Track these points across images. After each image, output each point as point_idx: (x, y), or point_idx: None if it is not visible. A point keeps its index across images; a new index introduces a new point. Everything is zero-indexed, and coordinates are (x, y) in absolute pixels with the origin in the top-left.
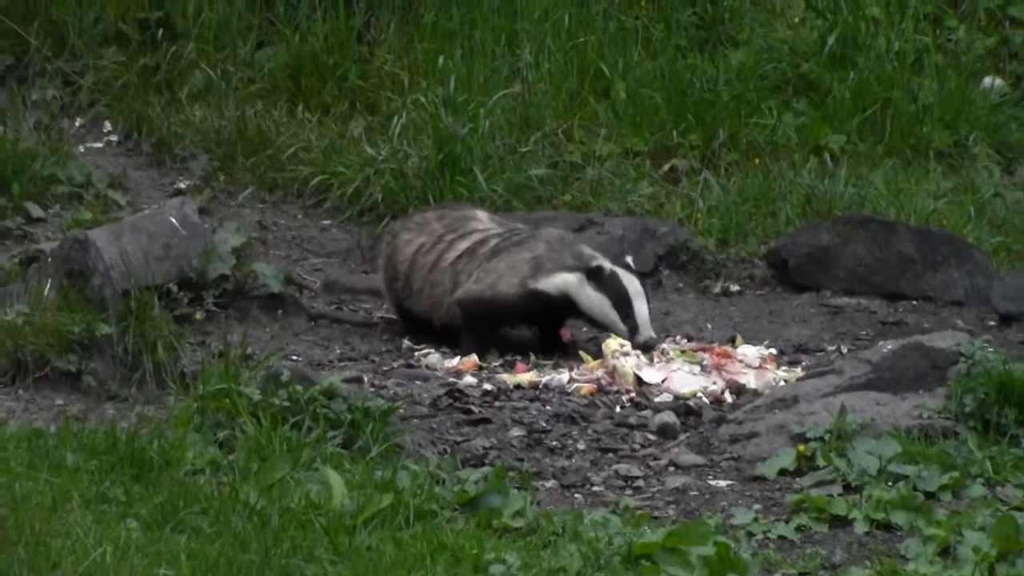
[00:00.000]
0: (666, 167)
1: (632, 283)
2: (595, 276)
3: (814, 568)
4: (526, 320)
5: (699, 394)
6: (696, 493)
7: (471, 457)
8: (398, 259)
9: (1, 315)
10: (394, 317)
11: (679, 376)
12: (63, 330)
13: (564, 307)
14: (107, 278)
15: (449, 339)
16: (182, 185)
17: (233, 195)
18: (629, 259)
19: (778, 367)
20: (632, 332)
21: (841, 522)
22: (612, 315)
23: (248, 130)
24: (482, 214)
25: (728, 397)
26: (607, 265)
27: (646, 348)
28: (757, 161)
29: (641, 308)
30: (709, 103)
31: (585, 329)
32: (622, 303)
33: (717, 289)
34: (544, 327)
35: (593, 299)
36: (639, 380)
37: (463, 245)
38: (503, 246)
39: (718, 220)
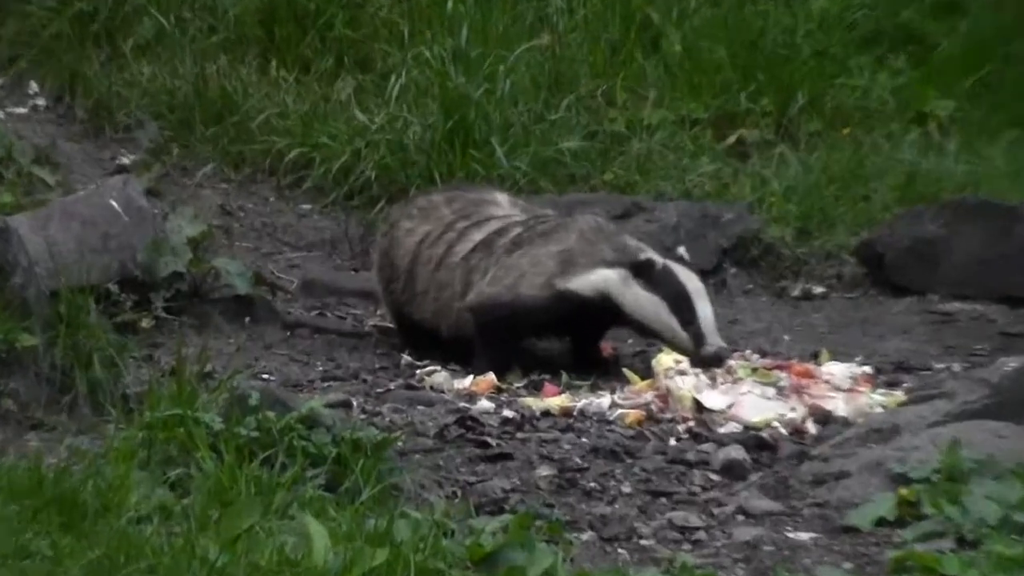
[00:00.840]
0: (731, 139)
1: (691, 280)
2: (644, 272)
3: None
4: (555, 329)
5: (774, 423)
6: (771, 548)
7: (487, 502)
8: (397, 253)
9: None
10: (391, 326)
11: (749, 401)
12: None
13: (603, 312)
14: (31, 276)
15: (460, 354)
16: (125, 160)
17: (190, 173)
18: (683, 251)
19: (873, 389)
20: (696, 342)
21: None
22: (669, 321)
23: (208, 91)
24: (502, 197)
25: (811, 427)
26: (658, 258)
27: (715, 362)
28: (845, 131)
29: (706, 311)
30: (785, 59)
31: (631, 341)
32: (681, 305)
33: (796, 291)
34: (578, 338)
35: (643, 301)
36: (699, 405)
37: (477, 236)
38: (526, 237)
39: (797, 205)
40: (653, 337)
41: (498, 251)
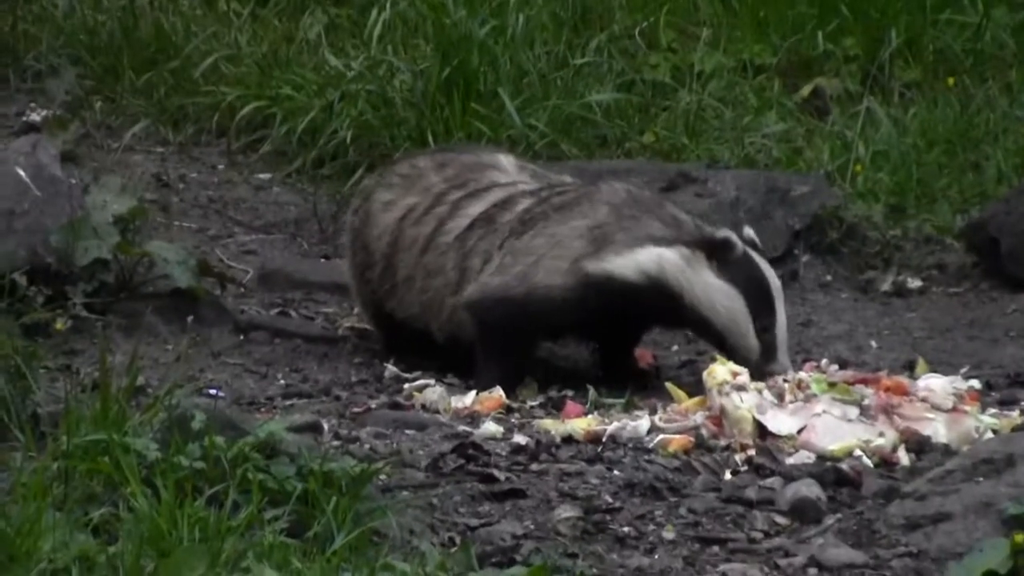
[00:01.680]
0: (806, 91)
1: (772, 273)
2: (722, 253)
3: None
4: (580, 331)
5: (857, 452)
6: None
7: (494, 551)
8: (372, 233)
9: None
10: (368, 326)
11: (825, 424)
12: None
13: (647, 307)
14: None
15: (458, 362)
16: (35, 117)
17: (116, 133)
18: (751, 232)
19: (983, 409)
20: (766, 356)
21: None
22: (744, 321)
23: (140, 30)
24: (506, 160)
25: (903, 457)
26: (738, 240)
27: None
28: (951, 82)
29: (783, 319)
30: None
31: (676, 347)
32: (761, 305)
33: (887, 286)
34: (609, 343)
35: (715, 291)
36: (762, 430)
37: (475, 209)
38: (539, 212)
39: (888, 175)
40: (710, 339)
41: (503, 228)
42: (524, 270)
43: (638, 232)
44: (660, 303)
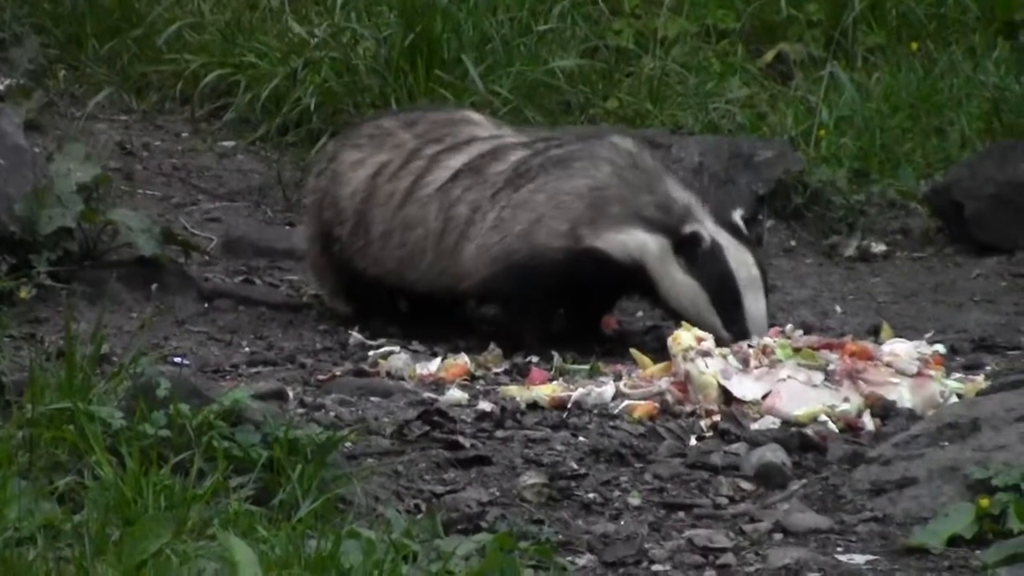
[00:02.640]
0: (770, 56)
1: (744, 263)
2: (686, 249)
3: None
4: (572, 296)
5: (822, 417)
6: (818, 574)
7: (460, 517)
8: (341, 192)
9: None
10: (320, 293)
11: (790, 389)
12: None
13: (630, 281)
14: None
15: (427, 326)
16: None
17: (80, 101)
18: (738, 216)
19: (947, 374)
20: (738, 341)
21: None
22: (708, 314)
23: None
24: (480, 117)
25: (868, 422)
26: (706, 234)
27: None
28: (914, 46)
29: (756, 307)
30: None
31: (640, 313)
32: (726, 298)
33: (851, 251)
34: (580, 308)
35: (680, 286)
36: (727, 395)
37: (458, 160)
38: (536, 164)
39: (852, 140)
40: (684, 321)
41: (493, 180)
42: (526, 229)
43: (632, 208)
44: (639, 283)
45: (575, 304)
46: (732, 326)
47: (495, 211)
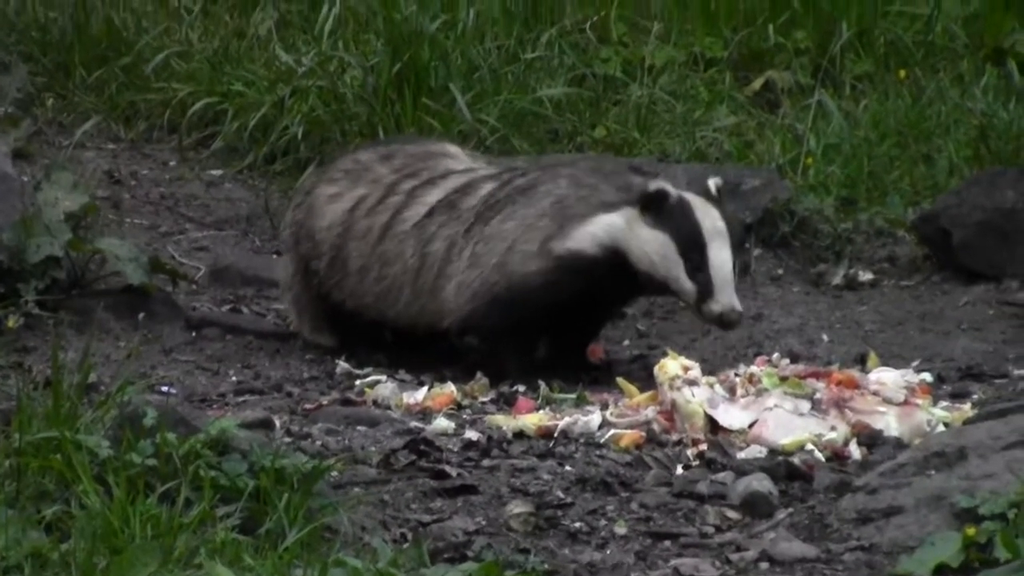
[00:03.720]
0: (757, 84)
1: (710, 216)
2: (654, 205)
3: None
4: (558, 318)
5: (808, 446)
6: None
7: (446, 546)
8: (317, 225)
9: None
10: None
11: (777, 418)
12: None
13: (614, 280)
14: None
15: (414, 354)
16: None
17: (68, 130)
18: (714, 183)
19: (934, 403)
20: (700, 295)
21: None
22: (674, 264)
23: (91, 26)
24: (455, 149)
25: (855, 451)
26: (674, 190)
27: (721, 324)
28: (902, 74)
29: (721, 257)
30: None
31: (627, 342)
32: (691, 246)
33: (838, 279)
34: (564, 335)
35: (648, 242)
36: (713, 424)
37: (433, 196)
38: (503, 196)
39: (839, 168)
40: (659, 292)
41: (466, 215)
42: (500, 259)
43: (594, 200)
44: (618, 270)
45: (559, 331)
46: (696, 274)
47: (469, 247)
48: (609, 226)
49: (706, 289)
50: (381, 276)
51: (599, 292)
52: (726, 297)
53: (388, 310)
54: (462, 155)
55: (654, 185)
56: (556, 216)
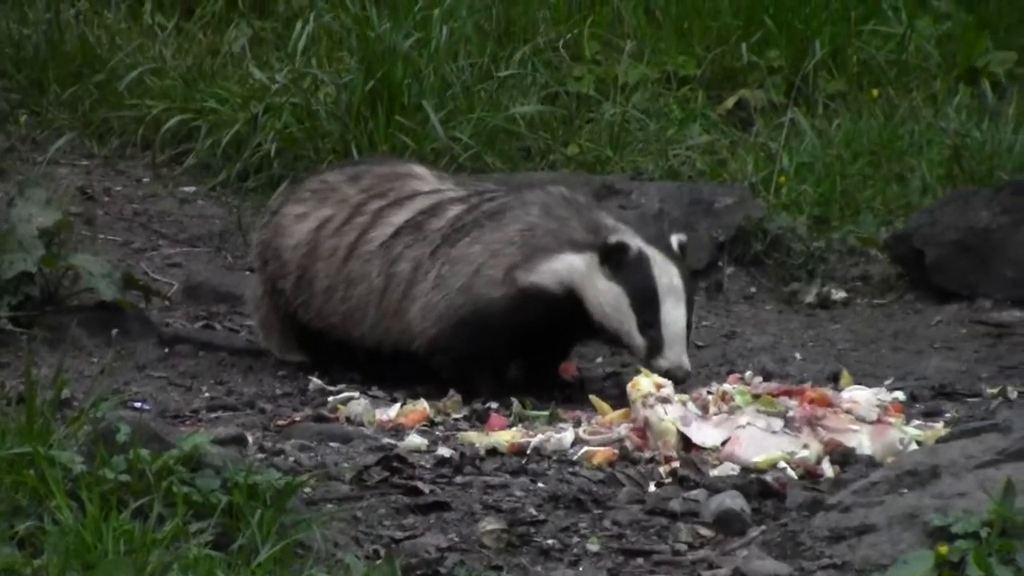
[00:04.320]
0: (730, 102)
1: (667, 273)
2: (612, 256)
3: None
4: (524, 342)
5: (781, 464)
6: None
7: (419, 563)
8: (285, 243)
9: None
10: (264, 345)
11: (750, 436)
12: None
13: (573, 318)
14: None
15: (387, 371)
16: None
17: (41, 146)
18: (677, 240)
19: (907, 421)
20: (651, 352)
21: None
22: (626, 318)
23: (65, 43)
24: (422, 170)
25: (827, 469)
26: (634, 242)
27: (672, 379)
28: (875, 93)
29: (674, 315)
30: (799, 1)
31: (600, 359)
32: (644, 301)
33: (811, 297)
34: (535, 355)
35: (603, 293)
36: (686, 442)
37: (400, 217)
38: (471, 220)
39: (812, 187)
40: (612, 341)
41: (432, 237)
42: (465, 282)
43: (562, 236)
44: (576, 311)
45: (529, 352)
46: (647, 330)
47: (436, 268)
48: (571, 268)
49: (656, 345)
50: (347, 296)
51: (561, 324)
52: (675, 355)
53: (354, 330)
54: (430, 176)
55: (615, 238)
56: (523, 246)
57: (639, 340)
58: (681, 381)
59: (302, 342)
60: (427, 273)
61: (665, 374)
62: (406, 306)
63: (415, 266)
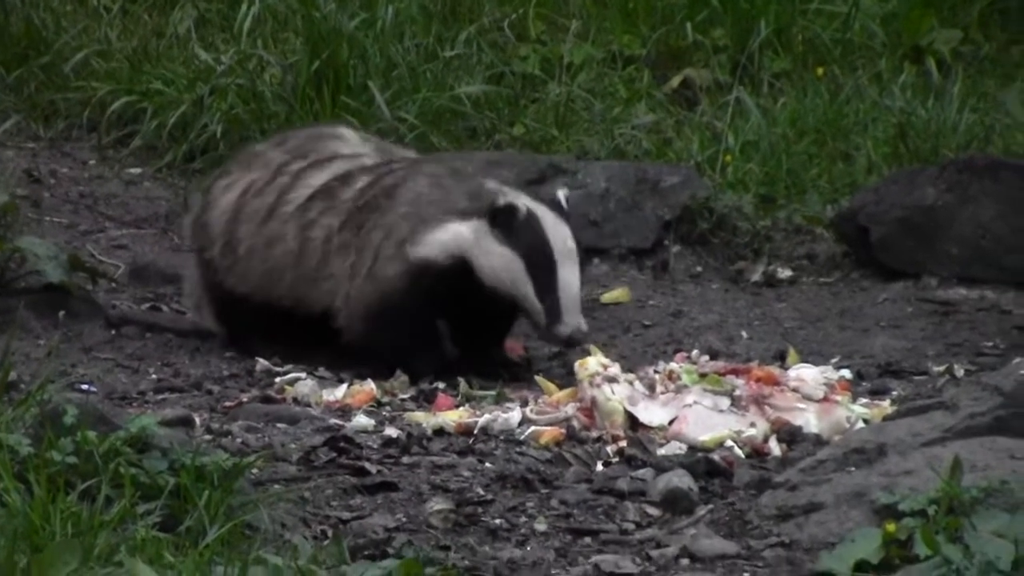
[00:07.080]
0: (676, 82)
1: (560, 234)
2: (502, 220)
3: None
4: (448, 318)
5: (728, 443)
6: None
7: (366, 543)
8: (212, 214)
9: None
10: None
11: (697, 414)
12: None
13: (470, 289)
14: None
15: (328, 351)
16: None
17: None
18: (562, 195)
19: (854, 399)
20: (549, 318)
21: None
22: (523, 284)
23: (11, 25)
24: (348, 132)
25: (775, 447)
26: (522, 202)
27: (570, 344)
28: (820, 71)
29: (569, 279)
30: None
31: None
32: (541, 265)
33: (757, 276)
34: (469, 333)
35: (497, 257)
36: (633, 421)
37: (317, 179)
38: (371, 197)
39: (758, 166)
40: (511, 309)
41: (341, 207)
42: (370, 267)
43: (447, 204)
44: (469, 280)
45: (464, 330)
46: (546, 296)
47: (351, 255)
48: (457, 236)
49: (554, 311)
50: (266, 257)
51: (466, 298)
52: (573, 319)
53: (273, 289)
54: (354, 138)
55: (503, 199)
56: (410, 217)
57: (538, 306)
58: (580, 344)
59: (220, 312)
60: (340, 251)
61: (567, 339)
62: (321, 278)
63: (327, 235)
